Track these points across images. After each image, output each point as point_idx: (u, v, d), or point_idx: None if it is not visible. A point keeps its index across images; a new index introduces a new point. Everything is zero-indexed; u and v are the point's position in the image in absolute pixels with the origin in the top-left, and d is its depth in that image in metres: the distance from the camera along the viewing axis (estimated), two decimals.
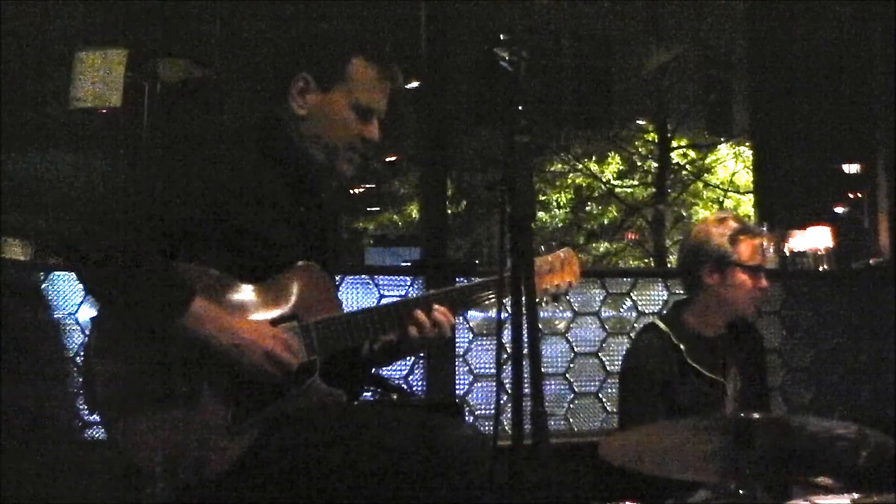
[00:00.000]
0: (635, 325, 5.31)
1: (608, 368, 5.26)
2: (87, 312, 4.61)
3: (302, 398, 2.83)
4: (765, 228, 5.78)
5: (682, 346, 3.88)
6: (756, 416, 2.91)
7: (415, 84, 5.59)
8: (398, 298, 4.72)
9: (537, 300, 2.43)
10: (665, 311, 4.47)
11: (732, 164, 19.44)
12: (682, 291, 5.31)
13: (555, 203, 19.72)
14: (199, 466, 2.68)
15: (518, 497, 2.27)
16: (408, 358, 4.75)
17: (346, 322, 2.90)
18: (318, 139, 2.99)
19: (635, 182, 19.76)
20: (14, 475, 2.61)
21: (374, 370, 3.27)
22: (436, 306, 3.00)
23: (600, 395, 5.26)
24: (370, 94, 3.00)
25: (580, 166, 19.61)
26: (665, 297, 5.37)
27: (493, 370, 5.06)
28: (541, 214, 18.91)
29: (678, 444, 3.07)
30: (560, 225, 19.84)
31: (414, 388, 4.95)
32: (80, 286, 2.79)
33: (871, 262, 5.93)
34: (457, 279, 4.83)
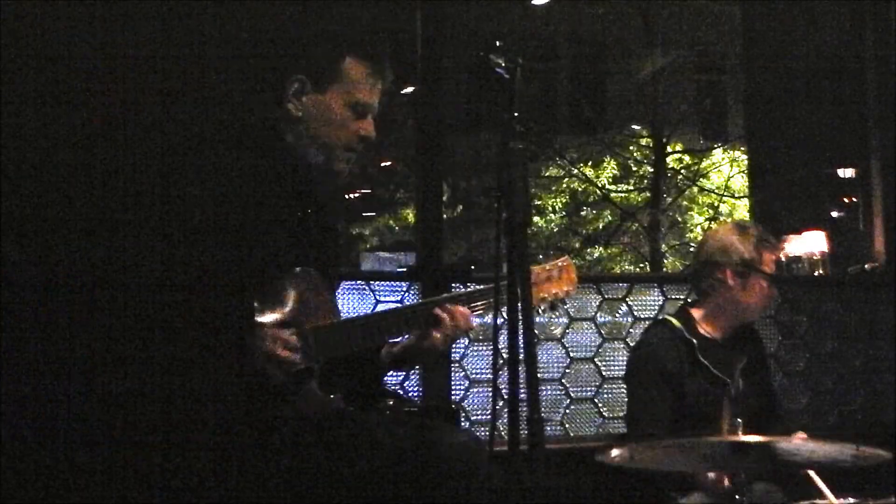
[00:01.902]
0: (631, 329, 5.31)
1: (604, 374, 5.26)
2: None
3: (299, 404, 2.83)
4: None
5: (694, 342, 3.96)
6: (747, 440, 2.90)
7: (410, 89, 5.59)
8: (394, 304, 4.73)
9: (534, 308, 2.43)
10: (670, 312, 4.49)
11: (727, 168, 19.46)
12: (679, 297, 5.35)
13: (550, 208, 19.73)
14: None
15: (514, 501, 2.27)
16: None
17: (343, 329, 2.91)
18: (316, 140, 3.00)
19: (630, 187, 19.77)
20: None
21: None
22: (453, 306, 3.02)
23: (596, 401, 5.26)
24: (364, 92, 3.03)
25: (575, 171, 19.62)
26: (661, 302, 5.37)
27: (489, 375, 5.05)
28: (536, 219, 18.91)
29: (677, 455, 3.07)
30: (555, 230, 19.85)
31: (410, 394, 4.95)
32: None
33: (866, 266, 5.93)
34: (452, 284, 4.83)
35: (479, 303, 3.09)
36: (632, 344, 5.20)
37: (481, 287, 3.11)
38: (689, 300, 4.48)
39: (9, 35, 1.99)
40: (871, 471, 3.01)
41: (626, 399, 4.18)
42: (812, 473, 3.61)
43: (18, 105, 2.01)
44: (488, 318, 4.67)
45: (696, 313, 4.08)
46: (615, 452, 3.02)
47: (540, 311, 3.23)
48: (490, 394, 4.97)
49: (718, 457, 2.92)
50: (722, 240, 4.04)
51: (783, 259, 5.89)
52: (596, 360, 5.29)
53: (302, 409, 2.84)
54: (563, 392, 5.23)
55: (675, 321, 4.05)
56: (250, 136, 3.04)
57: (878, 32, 5.95)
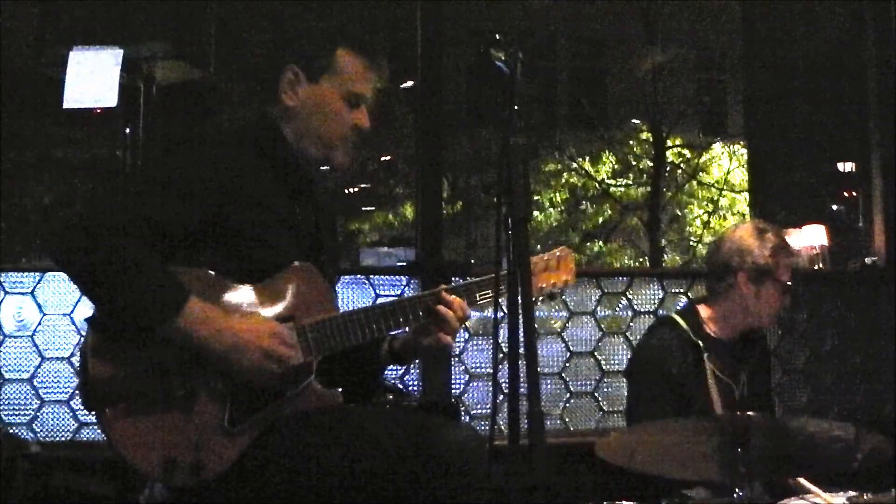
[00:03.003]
0: (630, 324, 5.32)
1: (604, 368, 5.27)
2: (83, 312, 4.61)
3: (299, 399, 2.83)
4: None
5: (700, 345, 3.89)
6: (752, 414, 2.92)
7: (410, 84, 5.60)
8: (394, 298, 4.75)
9: (533, 298, 2.43)
10: (664, 312, 4.46)
11: (727, 163, 19.46)
12: (678, 291, 5.35)
13: (549, 203, 19.73)
14: (197, 468, 2.68)
15: (514, 497, 2.27)
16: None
17: (341, 322, 2.90)
18: (312, 132, 3.00)
19: (630, 182, 19.77)
20: None
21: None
22: (451, 297, 3.01)
23: (596, 395, 5.27)
24: (358, 82, 3.02)
25: (575, 166, 19.63)
26: (660, 297, 5.37)
27: (489, 370, 5.06)
28: (536, 214, 18.91)
29: (675, 443, 3.07)
30: (554, 225, 19.85)
31: (410, 389, 4.95)
32: (76, 287, 2.76)
33: (866, 261, 5.93)
34: (452, 280, 4.83)
35: (477, 294, 3.08)
36: (631, 338, 5.21)
37: (480, 278, 3.11)
38: (690, 295, 4.45)
39: None
40: (868, 467, 3.03)
41: (626, 396, 4.13)
42: (802, 480, 3.62)
43: None
44: (488, 313, 4.69)
45: (705, 312, 3.98)
46: (613, 438, 3.03)
47: (539, 301, 3.22)
48: (490, 388, 4.98)
49: (722, 438, 2.93)
50: (739, 243, 3.92)
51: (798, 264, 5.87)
52: (596, 354, 5.30)
53: (302, 404, 2.84)
54: (563, 386, 5.24)
55: (680, 321, 3.95)
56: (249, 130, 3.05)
57: (879, 28, 5.95)
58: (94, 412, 2.69)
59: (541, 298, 3.21)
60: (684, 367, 3.84)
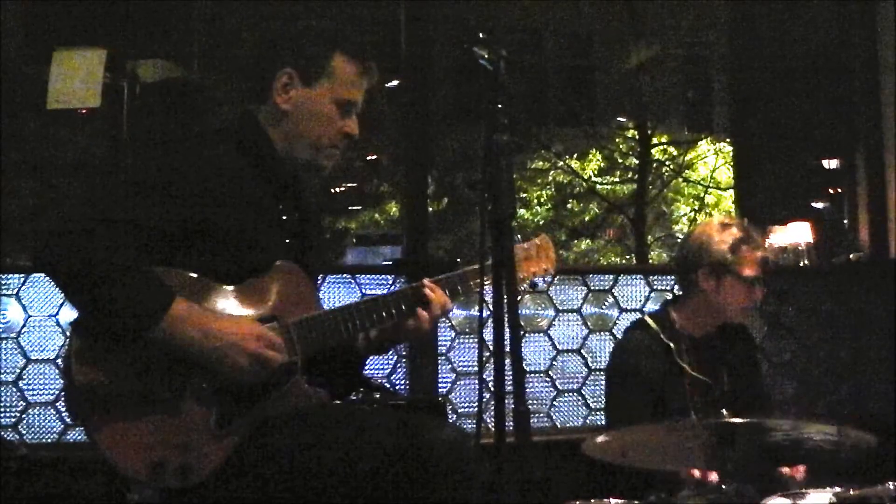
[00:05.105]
0: (617, 321, 5.32)
1: (590, 365, 5.27)
2: (68, 314, 4.60)
3: (285, 399, 2.82)
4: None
5: (671, 346, 3.88)
6: (735, 420, 2.93)
7: (395, 82, 5.59)
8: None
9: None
10: (654, 308, 4.44)
11: (713, 160, 19.49)
12: (664, 288, 5.36)
13: (536, 200, 19.74)
14: (185, 470, 2.67)
15: (501, 495, 2.27)
16: (391, 353, 4.79)
17: (325, 321, 2.90)
18: (302, 135, 2.99)
19: (616, 179, 19.79)
20: None
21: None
22: (431, 285, 3.01)
23: (583, 392, 5.27)
24: (351, 89, 3.02)
25: (561, 163, 19.63)
26: (646, 294, 5.38)
27: (475, 368, 5.06)
28: (522, 212, 18.96)
29: (661, 442, 3.08)
30: (541, 222, 19.85)
31: (396, 387, 4.95)
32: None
33: (850, 257, 5.95)
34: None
35: (458, 286, 3.08)
36: (618, 336, 5.21)
37: (462, 270, 3.11)
38: (676, 292, 4.44)
39: None
40: (860, 462, 3.04)
41: (605, 400, 4.12)
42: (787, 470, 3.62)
43: None
44: (474, 311, 4.68)
45: (677, 312, 3.97)
46: (600, 439, 3.03)
47: (522, 290, 3.22)
48: (476, 386, 4.97)
49: (708, 438, 2.93)
50: (699, 238, 3.91)
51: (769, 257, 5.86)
52: (582, 351, 5.30)
53: (288, 404, 2.83)
54: (549, 384, 5.24)
55: (652, 323, 3.94)
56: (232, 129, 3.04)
57: (865, 25, 5.97)
58: (78, 418, 2.68)
59: (522, 288, 3.22)
60: (658, 369, 3.83)
